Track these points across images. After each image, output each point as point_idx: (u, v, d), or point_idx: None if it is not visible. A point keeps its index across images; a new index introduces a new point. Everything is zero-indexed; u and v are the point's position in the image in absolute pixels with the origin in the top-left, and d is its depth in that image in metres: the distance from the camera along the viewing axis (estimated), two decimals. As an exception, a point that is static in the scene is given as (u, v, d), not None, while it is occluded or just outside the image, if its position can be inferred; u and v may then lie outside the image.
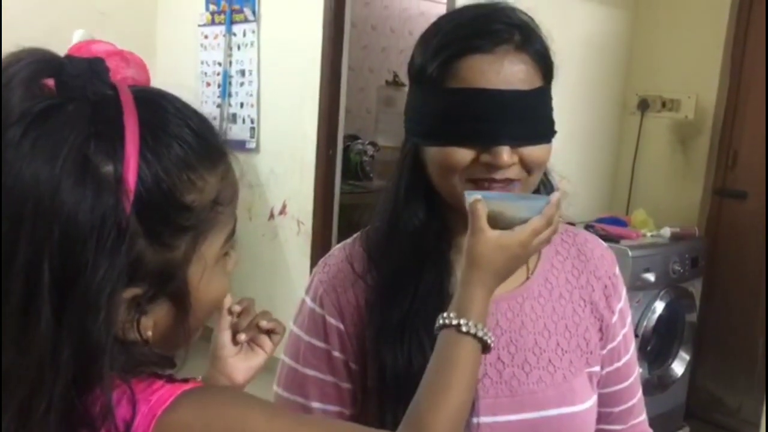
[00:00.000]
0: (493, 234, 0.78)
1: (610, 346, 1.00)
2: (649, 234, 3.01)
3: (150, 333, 0.60)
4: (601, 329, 0.99)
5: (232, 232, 0.65)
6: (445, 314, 0.79)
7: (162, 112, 0.60)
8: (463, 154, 0.85)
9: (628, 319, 1.04)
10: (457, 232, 0.93)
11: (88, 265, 0.53)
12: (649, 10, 3.38)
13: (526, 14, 0.90)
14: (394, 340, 0.87)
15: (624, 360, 1.02)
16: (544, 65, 0.89)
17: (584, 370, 0.96)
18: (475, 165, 0.85)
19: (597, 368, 0.98)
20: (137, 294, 0.58)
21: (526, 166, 0.87)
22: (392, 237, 0.93)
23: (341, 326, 0.92)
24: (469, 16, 0.89)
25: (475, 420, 0.87)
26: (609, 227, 2.96)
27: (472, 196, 0.81)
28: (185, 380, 0.61)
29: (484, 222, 0.78)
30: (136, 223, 0.55)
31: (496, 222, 0.80)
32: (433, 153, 0.88)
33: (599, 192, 3.51)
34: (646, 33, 3.39)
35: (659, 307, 2.84)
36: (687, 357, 3.09)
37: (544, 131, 0.89)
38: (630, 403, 1.04)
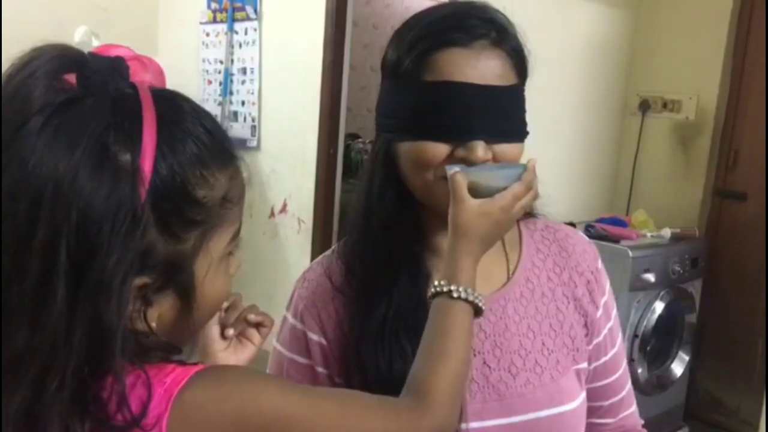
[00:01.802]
0: (474, 202, 0.80)
1: (596, 341, 0.99)
2: (649, 234, 3.01)
3: (155, 324, 0.61)
4: (586, 325, 0.98)
5: (238, 232, 0.67)
6: (436, 282, 0.81)
7: (178, 110, 0.62)
8: (438, 149, 0.84)
9: (614, 313, 1.03)
10: (430, 231, 0.93)
11: (103, 248, 0.54)
12: (650, 12, 3.38)
13: (501, 12, 0.90)
14: (374, 347, 0.86)
15: (611, 354, 1.01)
16: (520, 63, 0.88)
17: (571, 368, 0.95)
18: (449, 160, 0.84)
19: (584, 365, 0.98)
20: (146, 283, 0.59)
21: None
22: (366, 237, 0.91)
23: (323, 341, 0.91)
24: (444, 12, 0.89)
25: (464, 426, 0.86)
26: (609, 227, 2.96)
27: (452, 170, 0.82)
28: (194, 364, 0.62)
29: (464, 192, 0.80)
30: (149, 212, 0.57)
31: (477, 192, 0.81)
32: (406, 148, 0.86)
33: (600, 192, 3.51)
34: (647, 34, 3.40)
35: (659, 307, 2.85)
36: (686, 357, 3.09)
37: (517, 129, 0.89)
38: (619, 396, 1.04)
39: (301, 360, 0.92)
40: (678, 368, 3.07)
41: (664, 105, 3.33)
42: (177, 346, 0.64)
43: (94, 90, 0.57)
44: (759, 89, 3.10)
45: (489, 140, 0.84)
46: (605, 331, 1.01)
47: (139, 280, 0.58)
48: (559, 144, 3.22)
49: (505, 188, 0.82)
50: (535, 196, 0.84)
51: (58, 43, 0.59)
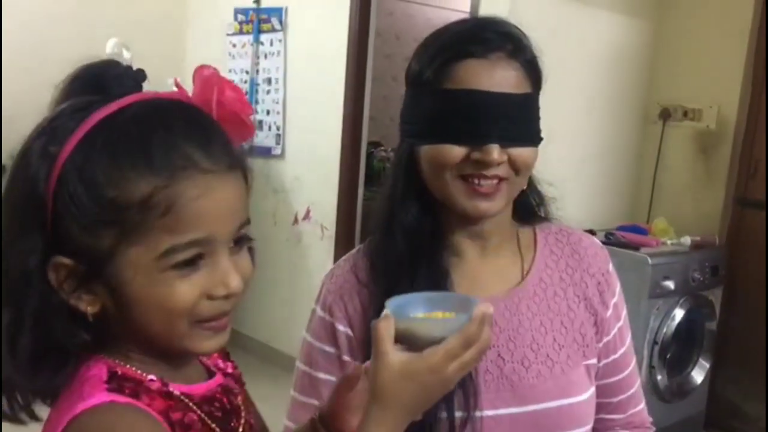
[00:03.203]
0: (396, 359, 0.68)
1: (605, 339, 1.05)
2: (669, 242, 3.02)
3: (90, 309, 0.65)
4: (595, 323, 1.04)
5: (189, 245, 0.64)
6: None
7: (145, 117, 0.65)
8: (456, 151, 0.91)
9: (623, 314, 1.08)
10: (450, 231, 0.99)
11: (13, 200, 0.66)
12: (671, 21, 3.40)
13: (516, 27, 0.96)
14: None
15: (620, 352, 1.07)
16: (534, 73, 0.95)
17: (581, 363, 1.01)
18: (466, 162, 0.91)
19: (594, 360, 1.03)
20: (66, 263, 0.64)
21: (514, 167, 0.93)
22: (389, 235, 0.98)
23: (350, 332, 0.98)
24: (464, 26, 0.96)
25: (478, 414, 0.92)
26: (629, 235, 2.98)
27: (389, 306, 0.72)
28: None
29: (388, 345, 0.68)
30: (62, 198, 0.63)
31: (408, 342, 0.69)
32: (426, 151, 0.93)
33: (621, 200, 3.53)
34: (668, 43, 3.42)
35: (679, 314, 2.86)
36: (707, 365, 3.10)
37: (531, 135, 0.95)
38: (628, 393, 1.09)
39: (329, 349, 0.99)
40: (698, 376, 3.08)
41: (685, 114, 3.34)
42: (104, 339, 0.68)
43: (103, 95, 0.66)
44: (780, 98, 3.11)
45: (503, 144, 0.90)
46: (615, 331, 1.06)
47: (59, 259, 0.63)
48: (580, 152, 3.26)
49: (440, 340, 0.68)
50: (482, 352, 0.70)
51: (112, 60, 0.69)
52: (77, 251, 0.63)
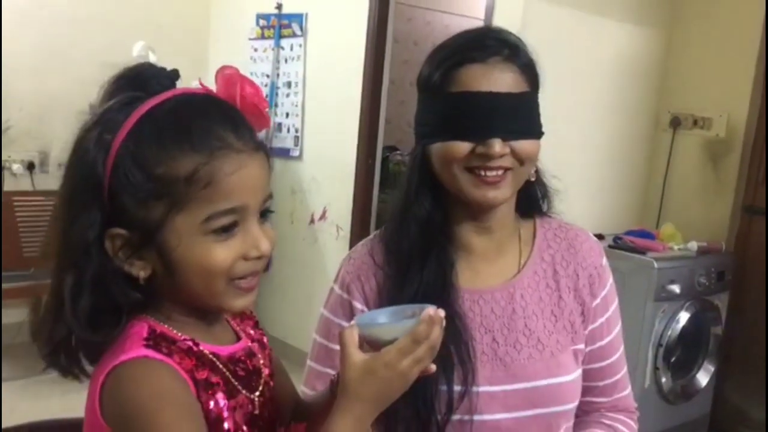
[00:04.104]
0: (358, 358, 0.78)
1: (591, 327, 1.14)
2: (676, 247, 3.08)
3: (142, 273, 0.76)
4: (583, 312, 1.13)
5: (227, 212, 0.75)
6: None
7: (182, 106, 0.76)
8: (462, 147, 1.01)
9: (613, 306, 1.17)
10: (457, 225, 1.10)
11: (76, 187, 0.76)
12: (682, 31, 3.47)
13: (513, 34, 1.07)
14: None
15: (606, 340, 1.15)
16: (530, 74, 1.05)
17: (569, 348, 1.11)
18: (471, 156, 1.01)
19: (581, 346, 1.12)
20: (122, 234, 0.75)
21: (518, 157, 1.03)
22: (403, 225, 1.08)
23: (365, 309, 1.09)
24: (466, 36, 1.07)
25: (474, 389, 1.03)
26: (636, 239, 3.05)
27: (356, 319, 0.83)
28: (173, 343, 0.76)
29: (351, 348, 0.78)
30: (116, 179, 0.74)
31: (372, 345, 0.79)
32: (436, 148, 1.04)
33: (631, 206, 3.59)
34: (679, 52, 3.48)
35: (684, 317, 2.92)
36: (712, 368, 3.15)
37: (530, 128, 1.05)
38: (614, 379, 1.18)
39: (346, 324, 1.08)
40: (703, 378, 3.13)
41: (695, 122, 3.40)
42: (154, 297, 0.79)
43: (147, 89, 0.77)
44: (789, 108, 3.16)
45: (505, 137, 1.01)
46: (602, 320, 1.15)
47: (115, 230, 0.74)
48: (591, 158, 3.34)
49: (394, 341, 0.77)
50: (434, 349, 0.78)
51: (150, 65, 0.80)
52: (131, 223, 0.74)
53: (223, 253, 0.75)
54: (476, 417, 1.03)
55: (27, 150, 3.79)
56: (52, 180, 3.82)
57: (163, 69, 0.81)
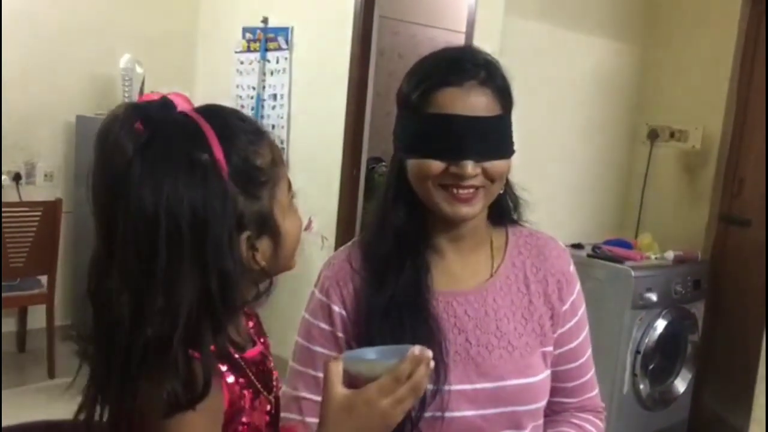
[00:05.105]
0: (339, 393, 0.79)
1: (560, 331, 1.19)
2: (653, 256, 3.15)
3: (263, 263, 0.83)
4: (552, 317, 1.18)
5: (290, 183, 0.89)
6: None
7: (221, 114, 0.84)
8: (436, 165, 1.06)
9: (580, 311, 1.23)
10: (433, 232, 1.15)
11: (210, 223, 0.76)
12: (658, 46, 3.56)
13: (490, 56, 1.11)
14: (380, 320, 1.08)
15: (574, 343, 1.21)
16: (504, 98, 1.09)
17: (538, 350, 1.16)
18: (445, 174, 1.06)
19: (550, 348, 1.18)
20: (249, 235, 0.81)
21: (489, 176, 1.08)
22: (381, 232, 1.14)
23: (344, 313, 1.13)
24: (443, 56, 1.11)
25: (446, 387, 1.07)
26: (615, 249, 3.11)
27: (345, 353, 0.85)
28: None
29: (334, 382, 0.80)
30: (233, 187, 0.79)
31: (357, 381, 0.80)
32: (412, 164, 1.09)
33: (610, 216, 3.66)
34: (655, 67, 3.57)
35: (661, 325, 2.99)
36: (689, 375, 3.21)
37: (501, 149, 1.09)
38: (582, 380, 1.23)
39: (325, 327, 1.14)
40: (681, 385, 3.19)
41: (672, 134, 3.48)
42: (269, 275, 0.86)
43: (159, 125, 0.78)
44: (763, 119, 3.23)
45: (477, 159, 1.06)
46: (570, 324, 1.20)
47: (244, 235, 0.81)
48: (571, 170, 3.41)
49: (378, 378, 0.79)
50: (418, 389, 0.79)
51: (125, 103, 0.82)
52: (250, 222, 0.81)
53: (299, 216, 0.89)
54: (447, 414, 1.07)
55: (14, 161, 3.82)
56: (38, 191, 3.85)
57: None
